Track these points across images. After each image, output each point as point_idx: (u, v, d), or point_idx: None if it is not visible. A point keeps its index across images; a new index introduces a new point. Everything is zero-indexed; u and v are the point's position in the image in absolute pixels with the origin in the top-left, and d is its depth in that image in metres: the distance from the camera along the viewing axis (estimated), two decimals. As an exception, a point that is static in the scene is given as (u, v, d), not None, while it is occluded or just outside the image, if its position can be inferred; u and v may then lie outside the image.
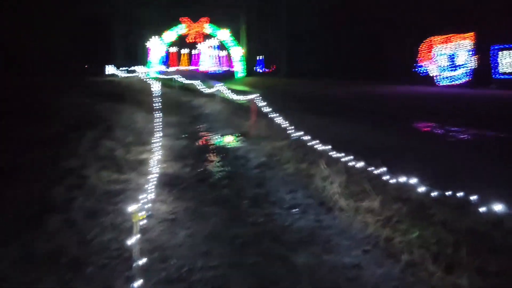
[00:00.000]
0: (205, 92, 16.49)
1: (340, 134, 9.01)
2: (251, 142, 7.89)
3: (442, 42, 22.14)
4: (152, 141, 7.54)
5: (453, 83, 22.09)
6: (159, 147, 6.81)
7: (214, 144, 7.87)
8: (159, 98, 16.79)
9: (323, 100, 17.82)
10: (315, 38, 42.70)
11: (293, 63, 41.82)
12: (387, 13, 32.09)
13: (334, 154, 6.21)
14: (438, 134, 8.97)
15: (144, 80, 20.95)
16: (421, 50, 23.22)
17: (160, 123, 10.20)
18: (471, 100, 15.21)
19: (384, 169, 5.58)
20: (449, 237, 3.55)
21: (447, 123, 10.09)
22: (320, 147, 6.72)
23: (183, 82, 21.30)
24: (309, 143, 6.52)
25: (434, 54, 22.41)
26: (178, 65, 66.29)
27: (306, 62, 42.91)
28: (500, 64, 20.94)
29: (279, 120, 8.18)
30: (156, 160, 5.53)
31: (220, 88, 14.11)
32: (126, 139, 7.86)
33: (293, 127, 8.61)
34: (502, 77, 21.08)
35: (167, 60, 60.81)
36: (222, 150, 7.27)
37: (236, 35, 38.53)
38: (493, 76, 21.20)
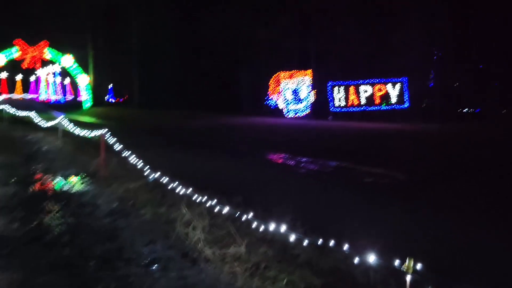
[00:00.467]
0: (44, 125, 14.43)
1: (199, 169, 8.70)
2: (100, 184, 6.94)
3: (288, 78, 24.26)
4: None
5: (297, 115, 24.24)
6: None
7: (53, 189, 6.66)
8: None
9: (179, 133, 17.45)
10: (169, 68, 42.49)
11: (146, 93, 40.66)
12: (240, 49, 33.97)
13: (195, 194, 5.83)
14: (291, 166, 9.39)
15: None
16: (271, 84, 25.00)
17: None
18: (315, 131, 16.76)
19: (247, 208, 5.43)
20: (316, 280, 3.47)
21: (298, 153, 10.75)
22: (179, 186, 6.26)
23: (16, 113, 18.37)
24: (167, 183, 6.00)
25: (281, 88, 24.32)
26: (12, 92, 58.11)
27: (159, 92, 42.20)
28: (335, 98, 23.87)
29: (132, 157, 7.43)
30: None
31: (63, 120, 12.48)
32: None
33: (148, 164, 7.96)
34: (337, 110, 24.04)
35: (-5, 87, 52.77)
36: (63, 196, 6.17)
37: (82, 61, 35.62)
38: (330, 109, 24.02)
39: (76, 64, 33.14)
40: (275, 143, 13.60)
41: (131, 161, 7.44)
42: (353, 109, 23.79)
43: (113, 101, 53.47)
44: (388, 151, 11.48)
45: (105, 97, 48.21)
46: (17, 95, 57.46)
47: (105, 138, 7.67)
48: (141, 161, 7.30)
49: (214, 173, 8.35)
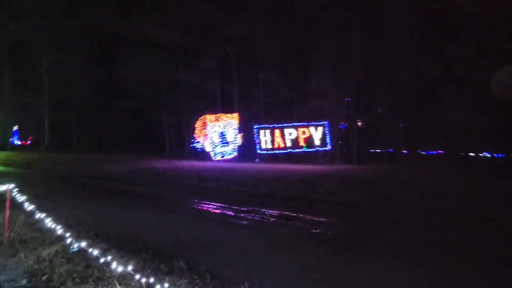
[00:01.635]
0: None
1: (126, 225, 7.73)
2: (3, 253, 5.70)
3: (214, 120, 23.98)
4: None
5: (224, 158, 23.87)
6: None
7: None
8: None
9: (96, 180, 15.96)
10: (84, 109, 40.06)
11: (57, 135, 37.68)
12: (162, 91, 33.21)
13: (128, 261, 4.96)
14: (230, 217, 8.80)
15: None
16: (197, 127, 24.49)
17: None
18: (245, 175, 16.39)
19: (193, 276, 4.72)
20: None
21: (233, 202, 10.20)
22: (106, 251, 5.34)
23: None
24: (92, 247, 5.06)
25: (208, 131, 23.91)
26: None
27: (72, 134, 39.38)
28: (261, 141, 24.00)
29: (43, 213, 6.31)
30: None
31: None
32: None
33: (64, 222, 6.86)
34: (264, 152, 24.14)
35: None
36: (-48, 274, 4.88)
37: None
38: (257, 151, 24.06)
39: (-26, 104, 29.65)
40: (205, 189, 12.94)
41: (43, 219, 6.31)
42: (279, 151, 24.09)
43: (19, 143, 48.69)
44: (319, 193, 11.43)
45: (9, 140, 43.64)
46: None
47: (10, 190, 6.44)
48: (54, 217, 6.23)
49: (145, 229, 7.45)
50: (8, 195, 6.26)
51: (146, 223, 8.03)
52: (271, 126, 24.24)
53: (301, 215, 8.48)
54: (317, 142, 24.03)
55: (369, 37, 25.73)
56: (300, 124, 24.08)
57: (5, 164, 23.45)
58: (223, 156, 23.91)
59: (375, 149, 31.77)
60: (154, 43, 31.42)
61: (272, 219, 8.27)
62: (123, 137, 39.84)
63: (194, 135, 24.75)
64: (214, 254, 5.87)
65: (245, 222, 8.00)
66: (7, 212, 6.26)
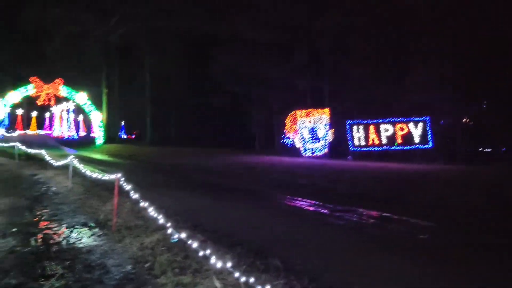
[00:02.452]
0: (56, 164, 13.75)
1: (222, 218, 7.76)
2: (111, 238, 6.03)
3: (304, 116, 23.59)
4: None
5: (314, 154, 23.35)
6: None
7: (57, 244, 5.75)
8: (-11, 172, 13.41)
9: (194, 173, 16.60)
10: (181, 105, 42.49)
11: (158, 129, 40.42)
12: (253, 87, 33.72)
13: (224, 255, 4.88)
14: (325, 215, 8.40)
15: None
16: (287, 123, 24.32)
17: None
18: (337, 173, 15.77)
19: (290, 276, 4.46)
20: None
21: (327, 199, 9.77)
22: (204, 243, 5.32)
23: (28, 150, 17.81)
24: (190, 239, 5.07)
25: (298, 126, 23.60)
26: (27, 129, 58.56)
27: (171, 129, 42.01)
28: (354, 137, 23.02)
29: (148, 202, 6.56)
30: None
31: (75, 158, 11.77)
32: None
33: (165, 212, 7.06)
34: (357, 149, 23.12)
35: (9, 123, 53.20)
36: (68, 255, 5.25)
37: (96, 99, 35.66)
38: (350, 148, 23.13)
39: (89, 101, 33.11)
40: (298, 186, 12.64)
41: (145, 208, 6.57)
42: (374, 148, 22.85)
43: (125, 137, 53.43)
44: (424, 197, 10.42)
45: (118, 134, 48.12)
46: (32, 131, 57.95)
47: (118, 179, 6.82)
48: (156, 207, 6.42)
49: (239, 223, 7.41)
50: (116, 183, 6.62)
51: (239, 217, 8.00)
52: (365, 121, 23.08)
53: (404, 218, 7.75)
54: (416, 139, 22.30)
55: (477, 25, 23.15)
56: (398, 119, 22.54)
57: (113, 155, 25.74)
58: (313, 153, 23.40)
59: (483, 148, 28.69)
60: (246, 41, 32.01)
61: (371, 220, 7.69)
62: (215, 132, 41.43)
63: (284, 130, 24.59)
64: (310, 254, 5.55)
65: (342, 222, 7.53)
66: (116, 200, 6.63)
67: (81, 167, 10.28)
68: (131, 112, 46.10)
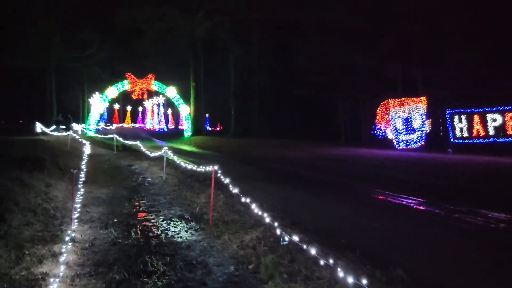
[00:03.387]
0: (150, 155, 14.22)
1: (322, 216, 7.13)
2: (209, 234, 5.74)
3: (398, 105, 21.86)
4: (62, 235, 5.19)
5: (409, 147, 21.58)
6: (71, 249, 4.51)
7: (156, 238, 5.60)
8: (92, 163, 14.26)
9: (282, 165, 16.14)
10: (263, 98, 42.47)
11: (241, 121, 40.84)
12: (337, 76, 32.39)
13: (334, 259, 4.25)
14: (441, 216, 7.36)
15: (78, 140, 18.23)
16: (378, 113, 22.76)
17: (86, 200, 7.78)
18: (439, 167, 14.23)
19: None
20: None
21: (438, 198, 8.63)
22: (309, 245, 4.74)
23: (125, 142, 18.83)
24: (296, 236, 4.54)
25: (391, 117, 21.97)
26: (122, 122, 63.39)
27: (254, 121, 42.21)
28: (455, 128, 20.82)
29: (243, 195, 6.18)
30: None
31: (168, 150, 12.00)
32: (24, 232, 5.39)
33: (260, 205, 6.64)
34: (458, 141, 20.89)
35: (107, 117, 57.83)
36: (168, 250, 5.04)
37: (184, 93, 37.05)
38: (450, 140, 20.97)
39: (178, 95, 34.46)
40: (397, 181, 11.52)
41: (242, 201, 6.21)
42: (479, 140, 20.43)
43: (210, 129, 55.18)
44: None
45: (204, 126, 49.79)
46: (127, 124, 62.51)
47: (210, 171, 6.52)
48: (250, 201, 6.01)
49: (340, 221, 6.73)
50: (213, 176, 6.33)
51: (339, 215, 7.30)
52: (468, 110, 20.70)
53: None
54: (531, 130, 19.49)
55: None
56: (508, 108, 19.87)
57: (201, 147, 26.41)
58: (407, 145, 21.62)
59: None
60: (329, 29, 30.70)
61: (502, 225, 6.48)
62: (299, 123, 40.77)
63: (375, 121, 23.03)
64: (433, 262, 4.71)
65: (464, 226, 6.45)
66: (212, 193, 6.35)
67: (175, 159, 10.32)
68: (215, 104, 47.28)
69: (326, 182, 11.53)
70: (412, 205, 8.15)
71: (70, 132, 20.30)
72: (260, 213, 5.62)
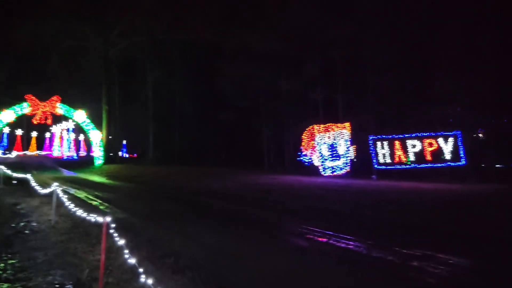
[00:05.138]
0: (41, 191, 11.62)
1: (257, 273, 5.52)
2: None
3: (323, 131, 21.44)
4: None
5: (335, 173, 21.14)
6: None
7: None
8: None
9: (207, 198, 14.38)
10: (185, 122, 40.57)
11: (161, 147, 38.38)
12: (262, 102, 31.82)
13: None
14: (397, 268, 6.19)
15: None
16: (304, 138, 22.15)
17: None
18: (374, 196, 13.57)
19: None
20: None
21: (391, 241, 7.57)
22: None
23: (12, 174, 15.69)
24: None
25: (316, 142, 21.44)
26: (26, 149, 56.76)
27: (174, 147, 39.96)
28: (378, 154, 20.86)
29: (156, 243, 4.40)
30: None
31: (64, 184, 9.65)
32: None
33: (178, 261, 4.92)
34: (382, 167, 20.92)
35: (7, 144, 51.42)
36: None
37: (96, 117, 33.75)
38: (374, 166, 20.92)
39: (88, 120, 31.17)
40: (333, 215, 10.42)
41: (148, 257, 4.44)
42: (400, 166, 20.64)
43: (127, 156, 51.48)
44: (497, 229, 8.23)
45: (119, 153, 46.14)
46: (31, 152, 56.23)
47: (108, 227, 4.66)
48: (164, 254, 4.28)
49: (284, 282, 5.18)
50: (104, 232, 4.47)
51: (278, 269, 5.77)
52: (390, 137, 20.93)
53: None
54: (447, 155, 20.12)
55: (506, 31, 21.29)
56: (426, 134, 20.40)
57: (113, 177, 23.60)
58: (333, 171, 21.17)
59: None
60: (254, 53, 30.22)
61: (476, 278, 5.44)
62: (221, 150, 39.45)
63: (301, 147, 22.38)
64: None
65: (432, 280, 5.29)
66: (103, 256, 4.46)
67: (66, 200, 8.10)
68: (133, 130, 44.16)
69: (256, 220, 10.04)
70: (361, 250, 6.92)
71: None
72: (175, 277, 3.91)
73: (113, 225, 4.51)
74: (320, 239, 7.65)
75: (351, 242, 7.20)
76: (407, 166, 20.51)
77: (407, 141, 20.62)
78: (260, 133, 33.73)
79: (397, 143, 20.76)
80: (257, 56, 29.90)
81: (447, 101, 22.23)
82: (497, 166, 23.82)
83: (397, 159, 20.60)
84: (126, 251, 5.01)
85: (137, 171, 26.46)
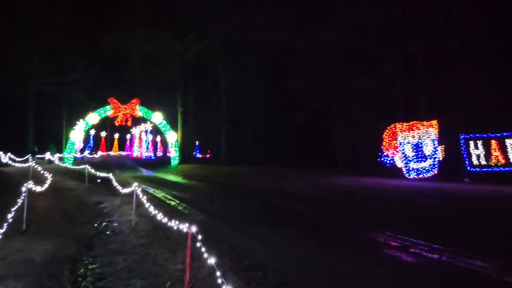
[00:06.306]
0: (121, 190, 11.77)
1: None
2: None
3: (406, 130, 19.74)
4: None
5: (420, 176, 19.34)
6: None
7: None
8: (51, 200, 11.77)
9: (284, 201, 13.71)
10: (257, 123, 40.40)
11: (233, 148, 38.57)
12: (335, 101, 30.54)
13: None
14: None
15: (41, 171, 15.66)
16: (385, 138, 20.60)
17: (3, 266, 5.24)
18: (479, 203, 11.96)
19: None
20: None
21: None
22: None
23: (96, 173, 16.31)
24: None
25: (399, 142, 19.81)
26: (109, 150, 60.71)
27: (246, 148, 39.95)
28: (471, 155, 18.72)
29: (238, 250, 3.79)
30: None
31: (144, 184, 9.56)
32: None
33: (267, 276, 4.25)
34: (475, 170, 18.75)
35: (93, 145, 55.24)
36: None
37: (172, 119, 34.82)
38: (467, 168, 18.82)
39: (165, 121, 32.16)
40: (432, 224, 9.17)
41: (232, 267, 3.83)
42: (499, 169, 18.31)
43: (200, 156, 52.73)
44: None
45: (193, 153, 47.40)
46: (114, 152, 60.03)
47: (194, 234, 4.12)
48: (248, 264, 3.64)
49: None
50: (189, 243, 3.93)
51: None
52: (485, 136, 18.68)
53: None
54: (555, 156, 17.46)
55: None
56: (529, 132, 17.91)
57: (188, 176, 23.92)
58: (419, 174, 19.37)
59: None
60: (327, 51, 29.02)
61: None
62: (293, 150, 38.62)
63: (382, 147, 20.81)
64: None
65: None
66: (188, 269, 3.93)
67: (145, 201, 7.89)
68: (206, 131, 45.04)
69: (341, 227, 9.14)
70: (475, 268, 5.77)
71: (31, 163, 17.73)
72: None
73: (199, 237, 3.96)
74: (428, 254, 6.56)
75: (469, 261, 6.05)
76: (506, 169, 18.12)
77: (506, 140, 18.24)
78: (332, 133, 32.39)
79: (493, 142, 18.45)
80: (329, 54, 28.71)
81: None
82: None
83: (494, 161, 18.29)
84: (212, 261, 4.43)
85: (210, 171, 26.64)
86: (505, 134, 18.40)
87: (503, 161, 18.22)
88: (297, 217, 10.43)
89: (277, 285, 4.59)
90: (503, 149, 18.23)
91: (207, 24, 33.53)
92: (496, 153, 18.33)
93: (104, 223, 8.82)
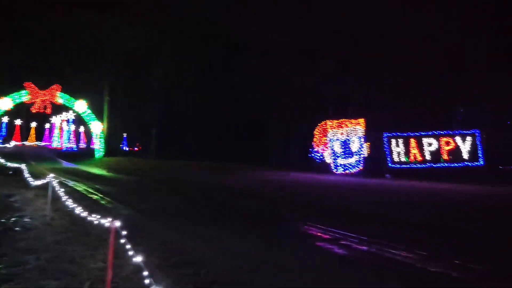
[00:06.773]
0: (33, 183, 10.65)
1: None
2: None
3: (336, 127, 20.45)
4: None
5: (347, 171, 20.17)
6: None
7: None
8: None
9: (217, 194, 13.41)
10: (189, 117, 39.57)
11: (164, 142, 37.39)
12: (269, 97, 30.84)
13: None
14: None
15: None
16: (316, 134, 21.16)
17: None
18: (398, 197, 12.62)
19: None
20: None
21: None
22: None
23: (7, 164, 14.72)
24: None
25: (329, 139, 20.47)
26: (25, 140, 55.87)
27: (178, 142, 38.96)
28: (393, 152, 19.91)
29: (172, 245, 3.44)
30: None
31: (62, 176, 8.67)
32: None
33: (193, 275, 3.95)
34: (396, 166, 19.97)
35: (6, 133, 50.55)
36: None
37: (97, 109, 32.75)
38: (388, 165, 19.97)
39: (89, 111, 30.14)
40: (360, 218, 9.47)
41: (160, 264, 3.48)
42: (415, 166, 19.68)
43: (128, 149, 50.56)
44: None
45: (120, 146, 45.20)
46: (30, 143, 55.44)
47: (118, 229, 3.68)
48: (178, 261, 3.31)
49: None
50: (112, 238, 3.50)
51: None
52: (405, 134, 19.97)
53: None
54: (465, 155, 19.18)
55: None
56: (443, 133, 19.46)
57: (114, 169, 22.65)
58: (345, 169, 20.21)
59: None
60: (268, 49, 29.14)
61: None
62: (226, 145, 38.45)
63: (313, 143, 21.39)
64: None
65: None
66: (110, 258, 3.49)
67: (64, 194, 7.15)
68: (135, 123, 43.15)
69: (278, 219, 9.08)
70: (397, 257, 5.97)
71: None
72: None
73: (124, 232, 3.53)
74: (357, 246, 6.68)
75: (396, 251, 6.24)
76: (423, 166, 19.55)
77: (423, 139, 19.67)
78: (265, 128, 32.75)
79: (412, 141, 19.81)
80: (270, 52, 28.90)
81: (468, 99, 21.29)
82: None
83: (412, 158, 19.64)
84: (138, 259, 4.01)
85: (138, 164, 25.53)
86: (422, 133, 19.81)
87: (420, 158, 19.61)
88: (231, 210, 10.20)
89: (210, 283, 4.30)
90: (420, 147, 19.61)
91: (140, 9, 32.00)
92: (414, 150, 19.67)
93: (13, 218, 7.85)
